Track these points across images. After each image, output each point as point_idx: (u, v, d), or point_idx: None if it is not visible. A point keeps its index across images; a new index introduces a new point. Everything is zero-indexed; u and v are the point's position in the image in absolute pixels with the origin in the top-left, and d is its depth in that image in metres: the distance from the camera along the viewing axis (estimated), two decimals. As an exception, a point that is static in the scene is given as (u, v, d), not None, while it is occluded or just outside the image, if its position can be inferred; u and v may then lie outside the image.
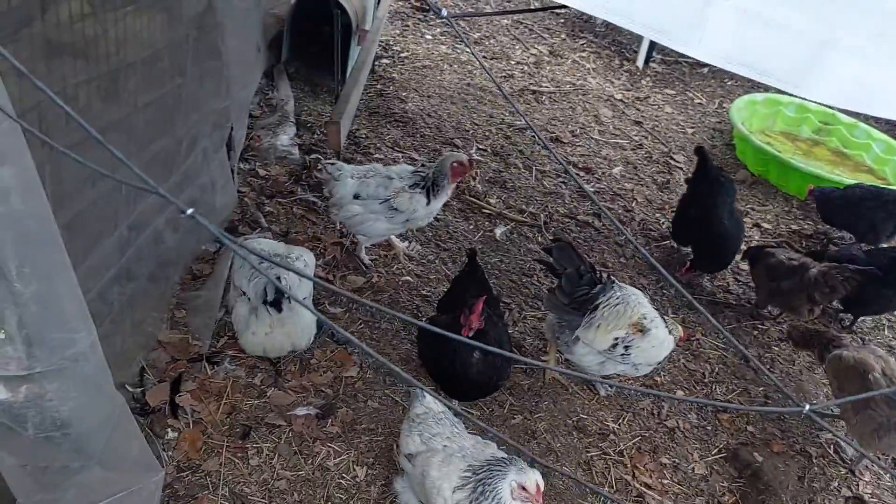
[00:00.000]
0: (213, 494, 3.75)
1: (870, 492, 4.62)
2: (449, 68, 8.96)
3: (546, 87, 8.98)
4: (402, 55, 9.02)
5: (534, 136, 7.79)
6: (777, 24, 1.64)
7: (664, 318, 4.51)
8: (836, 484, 4.59)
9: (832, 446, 4.82)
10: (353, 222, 5.19)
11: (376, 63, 8.43)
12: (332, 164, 5.26)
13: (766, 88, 9.68)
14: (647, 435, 4.65)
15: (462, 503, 3.19)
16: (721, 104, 9.46)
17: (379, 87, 8.13)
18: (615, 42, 10.64)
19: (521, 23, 10.69)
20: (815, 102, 8.54)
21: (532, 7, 10.95)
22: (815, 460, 4.70)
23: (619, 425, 4.67)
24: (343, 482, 3.95)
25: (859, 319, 5.93)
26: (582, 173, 7.30)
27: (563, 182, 7.13)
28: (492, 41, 9.98)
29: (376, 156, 6.69)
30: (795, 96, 8.83)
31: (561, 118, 8.33)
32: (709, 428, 4.80)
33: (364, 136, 7.09)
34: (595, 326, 4.33)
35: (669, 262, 6.29)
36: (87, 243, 3.58)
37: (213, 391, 4.29)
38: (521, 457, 3.36)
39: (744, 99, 8.57)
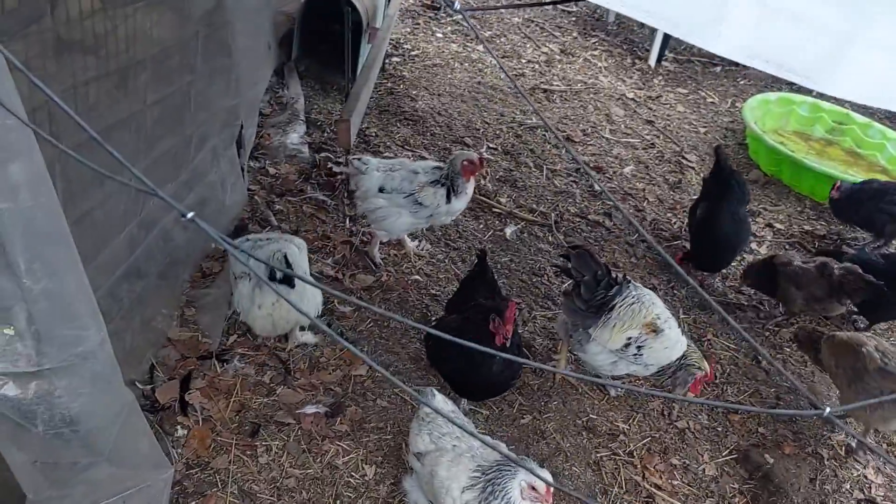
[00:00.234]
0: (222, 492, 3.75)
1: (882, 494, 4.58)
2: (460, 66, 8.94)
3: (557, 85, 8.96)
4: (413, 53, 9.01)
5: (545, 135, 7.76)
6: (799, 18, 1.61)
7: (679, 320, 4.49)
8: (847, 486, 4.55)
9: (844, 448, 4.78)
10: (376, 216, 5.18)
11: (387, 61, 8.41)
12: (359, 158, 5.27)
13: (780, 88, 9.65)
14: (657, 436, 4.62)
15: (471, 503, 3.18)
16: (734, 103, 9.41)
17: (389, 85, 8.12)
18: (627, 41, 10.60)
19: (533, 21, 10.67)
20: (831, 101, 8.55)
21: (546, 0, 10.93)
22: (826, 462, 4.66)
23: (629, 426, 4.64)
24: (352, 481, 3.94)
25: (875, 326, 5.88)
26: (593, 172, 7.27)
27: (573, 181, 7.10)
28: (503, 39, 9.96)
29: (386, 154, 6.67)
30: (809, 95, 8.81)
31: (572, 117, 8.30)
32: (719, 429, 4.77)
33: (374, 134, 7.08)
34: (611, 326, 4.31)
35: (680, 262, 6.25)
36: (96, 241, 3.59)
37: (222, 389, 4.29)
38: (532, 451, 3.34)
39: (757, 98, 8.51)
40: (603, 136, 8.02)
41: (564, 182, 7.06)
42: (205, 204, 4.96)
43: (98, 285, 3.39)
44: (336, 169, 6.10)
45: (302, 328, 4.67)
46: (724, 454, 4.60)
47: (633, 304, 4.33)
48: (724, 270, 6.22)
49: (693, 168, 7.72)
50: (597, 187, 7.03)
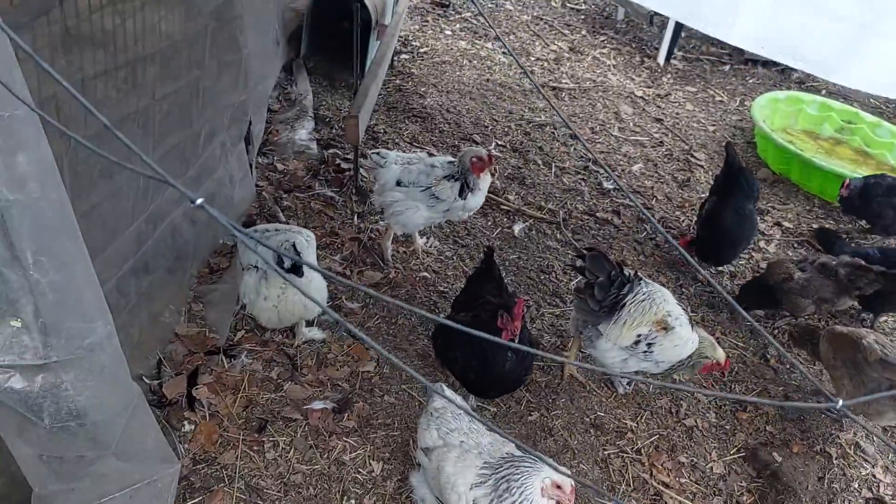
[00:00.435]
0: (229, 487, 3.74)
1: (890, 493, 4.55)
2: (468, 64, 8.93)
3: (566, 83, 8.93)
4: (422, 50, 9.00)
5: (554, 132, 7.75)
6: (815, 9, 1.58)
7: (690, 317, 4.47)
8: (856, 485, 4.53)
9: (852, 447, 4.76)
10: (393, 209, 5.18)
11: (395, 58, 8.40)
12: (377, 152, 5.28)
13: (789, 86, 9.61)
14: (664, 433, 4.60)
15: (481, 500, 3.15)
16: (742, 102, 9.36)
17: (398, 82, 8.12)
18: (636, 39, 10.57)
19: (542, 19, 10.65)
20: (840, 100, 8.49)
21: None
22: (835, 461, 4.63)
23: (636, 423, 4.62)
24: (359, 476, 3.94)
25: (880, 319, 5.86)
26: (601, 170, 7.24)
27: (582, 179, 7.08)
28: (511, 37, 9.94)
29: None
30: (818, 95, 8.76)
31: (581, 115, 8.28)
32: (727, 427, 4.75)
33: (382, 131, 7.07)
34: (621, 324, 4.30)
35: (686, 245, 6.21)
36: (104, 235, 3.58)
37: (229, 384, 4.28)
38: (540, 449, 3.31)
39: (766, 96, 8.47)
40: (612, 134, 7.99)
41: (573, 180, 7.04)
42: (213, 199, 4.96)
43: (105, 279, 3.40)
44: (362, 161, 6.11)
45: (308, 323, 4.67)
46: (732, 452, 4.58)
47: (643, 301, 4.32)
48: (731, 269, 6.21)
49: (702, 166, 7.69)
50: (607, 184, 7.01)
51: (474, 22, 10.12)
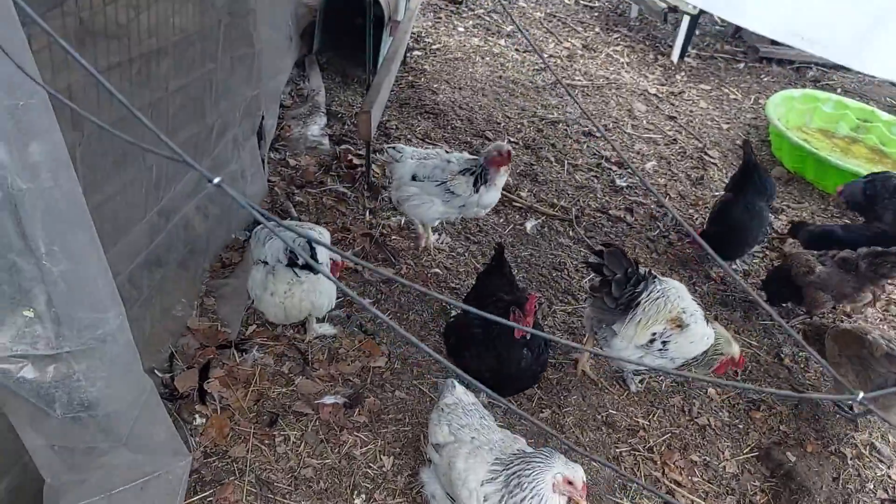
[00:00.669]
0: (240, 480, 3.74)
1: (906, 495, 4.52)
2: (481, 60, 8.91)
3: (579, 80, 8.90)
4: (434, 47, 8.99)
5: (566, 130, 7.72)
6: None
7: (706, 314, 4.44)
8: (871, 486, 4.49)
9: (868, 447, 4.72)
10: (409, 204, 5.20)
11: (408, 55, 8.39)
12: (393, 146, 5.32)
13: (804, 84, 9.55)
14: (677, 432, 4.58)
15: (491, 496, 3.14)
16: (757, 100, 9.31)
17: (410, 78, 8.11)
18: (650, 36, 10.53)
19: (555, 16, 10.62)
20: (856, 98, 8.42)
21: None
22: (850, 461, 4.59)
23: (649, 421, 4.60)
24: (370, 471, 3.93)
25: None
26: (615, 168, 7.21)
27: (594, 176, 7.06)
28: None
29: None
30: (833, 93, 8.69)
31: (594, 112, 8.24)
32: (741, 426, 4.71)
33: (394, 127, 7.06)
34: (636, 323, 4.27)
35: (701, 258, 6.18)
36: (116, 227, 3.59)
37: (241, 378, 4.29)
38: (552, 445, 3.30)
39: (781, 94, 8.42)
40: (625, 132, 7.96)
41: (585, 177, 7.02)
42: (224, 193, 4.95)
43: (118, 272, 3.39)
44: (378, 156, 6.12)
45: (318, 320, 4.66)
46: (745, 451, 4.55)
47: (657, 298, 4.29)
48: (746, 267, 6.17)
49: (715, 164, 7.65)
50: (619, 182, 6.97)
51: (487, 19, 10.10)
